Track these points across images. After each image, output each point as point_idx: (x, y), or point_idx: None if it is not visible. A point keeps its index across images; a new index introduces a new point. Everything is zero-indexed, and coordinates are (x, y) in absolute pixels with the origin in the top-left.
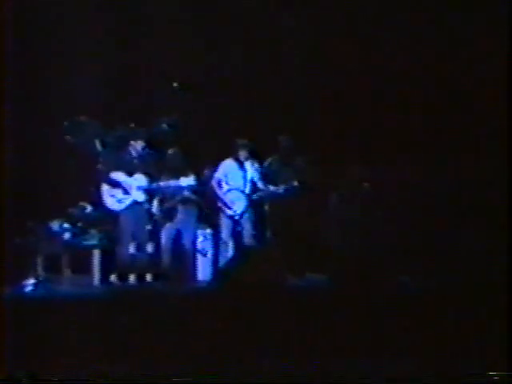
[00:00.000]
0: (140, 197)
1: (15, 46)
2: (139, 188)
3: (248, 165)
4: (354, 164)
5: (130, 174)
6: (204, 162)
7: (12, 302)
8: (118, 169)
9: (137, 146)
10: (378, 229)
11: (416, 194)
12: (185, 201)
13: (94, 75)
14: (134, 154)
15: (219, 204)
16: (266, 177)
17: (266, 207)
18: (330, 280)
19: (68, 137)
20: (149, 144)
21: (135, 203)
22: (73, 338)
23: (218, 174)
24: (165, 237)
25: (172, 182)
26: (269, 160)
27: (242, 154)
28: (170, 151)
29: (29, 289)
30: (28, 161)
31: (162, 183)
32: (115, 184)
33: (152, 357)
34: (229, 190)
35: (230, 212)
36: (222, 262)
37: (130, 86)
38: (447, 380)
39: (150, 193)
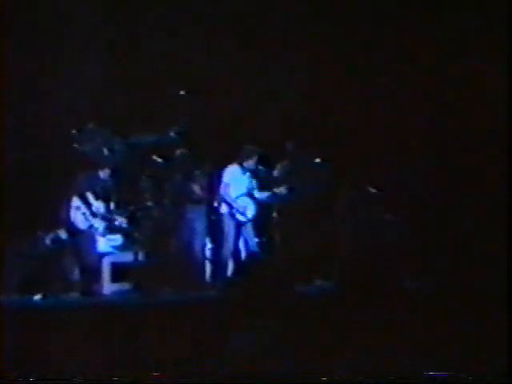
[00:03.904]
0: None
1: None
2: None
3: (253, 171)
4: (359, 167)
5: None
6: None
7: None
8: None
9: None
10: (385, 233)
11: (423, 197)
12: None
13: (100, 80)
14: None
15: (229, 210)
16: (266, 183)
17: (272, 213)
18: (337, 286)
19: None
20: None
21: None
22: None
23: (225, 180)
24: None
25: None
26: (278, 166)
27: (251, 161)
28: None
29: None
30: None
31: None
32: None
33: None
34: (239, 196)
35: (242, 218)
36: (229, 269)
37: (138, 94)
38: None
39: None
